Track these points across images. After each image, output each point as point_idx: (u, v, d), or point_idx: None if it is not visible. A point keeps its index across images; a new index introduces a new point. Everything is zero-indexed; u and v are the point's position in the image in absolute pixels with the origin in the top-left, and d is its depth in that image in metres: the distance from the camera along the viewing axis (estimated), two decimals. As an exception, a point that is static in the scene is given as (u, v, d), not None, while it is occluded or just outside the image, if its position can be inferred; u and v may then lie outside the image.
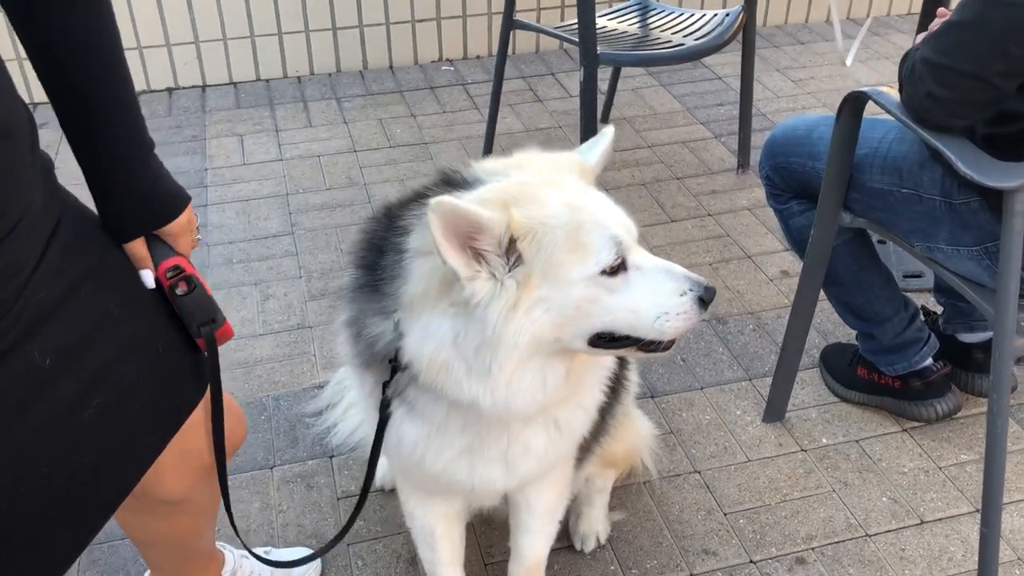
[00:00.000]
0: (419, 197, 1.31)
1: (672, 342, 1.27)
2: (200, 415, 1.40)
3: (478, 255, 1.16)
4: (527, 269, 1.18)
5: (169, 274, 1.25)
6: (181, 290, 1.25)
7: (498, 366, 1.20)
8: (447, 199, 1.11)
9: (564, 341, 1.23)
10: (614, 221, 1.23)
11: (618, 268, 1.21)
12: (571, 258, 1.18)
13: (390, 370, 1.30)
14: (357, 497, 2.13)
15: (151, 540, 1.64)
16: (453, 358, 1.21)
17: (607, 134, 1.41)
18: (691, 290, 1.23)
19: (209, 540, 1.75)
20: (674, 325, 1.23)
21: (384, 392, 1.32)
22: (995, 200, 1.72)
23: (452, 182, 1.30)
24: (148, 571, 1.80)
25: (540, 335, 1.20)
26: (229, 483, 2.18)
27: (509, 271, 1.18)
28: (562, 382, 1.28)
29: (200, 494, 1.49)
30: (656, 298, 1.22)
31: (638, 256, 1.24)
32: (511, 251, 1.17)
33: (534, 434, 1.41)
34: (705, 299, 1.24)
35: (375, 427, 1.50)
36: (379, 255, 1.32)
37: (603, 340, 1.25)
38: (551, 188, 1.23)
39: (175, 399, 1.34)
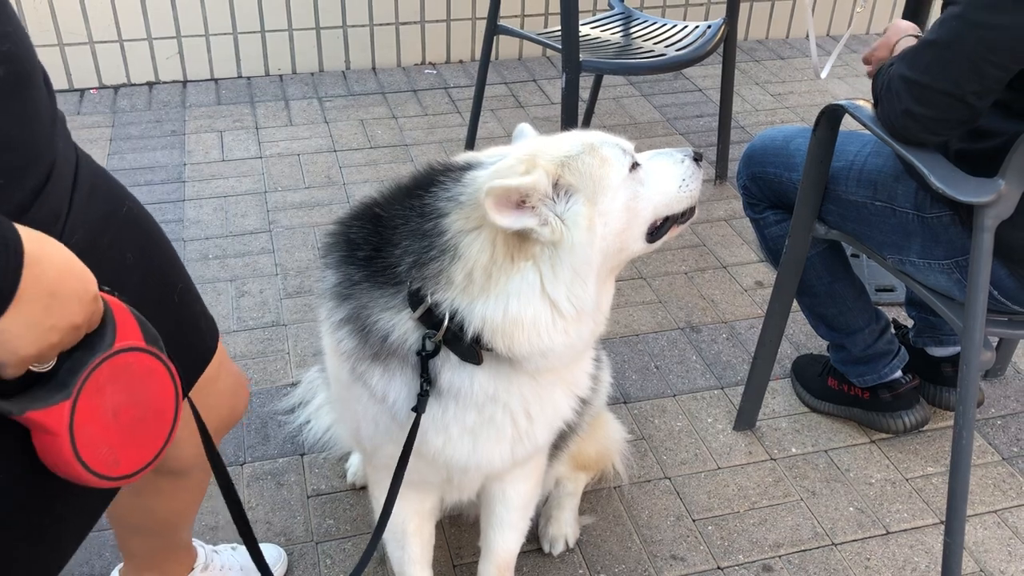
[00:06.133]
0: (424, 185, 1.35)
1: (694, 208, 1.49)
2: (214, 370, 1.39)
3: (533, 208, 1.26)
4: (581, 195, 1.31)
5: None
6: None
7: (587, 293, 1.31)
8: (495, 184, 1.23)
9: (627, 246, 1.38)
10: (610, 136, 1.42)
11: (635, 166, 1.38)
12: (604, 170, 1.34)
13: (420, 363, 1.33)
14: (326, 495, 2.15)
15: (141, 524, 1.62)
16: (540, 307, 1.29)
17: (527, 128, 1.54)
18: (685, 156, 1.47)
19: (189, 532, 1.75)
20: (693, 186, 1.46)
21: (421, 386, 1.34)
22: (966, 215, 1.75)
23: (454, 167, 1.37)
24: (120, 564, 1.78)
25: (607, 248, 1.33)
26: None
27: (567, 204, 1.29)
28: (608, 309, 1.42)
29: (206, 463, 1.49)
30: (671, 171, 1.44)
31: (638, 155, 1.43)
32: (557, 190, 1.29)
33: (559, 394, 1.49)
34: (697, 158, 1.47)
35: (368, 422, 1.50)
36: (376, 250, 1.34)
37: (652, 234, 1.43)
38: (549, 139, 1.40)
39: (192, 349, 1.33)
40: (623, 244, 1.36)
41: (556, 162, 1.31)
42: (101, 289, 0.96)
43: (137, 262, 1.23)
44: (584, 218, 1.29)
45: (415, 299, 1.30)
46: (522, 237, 1.27)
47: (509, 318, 1.28)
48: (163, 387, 1.02)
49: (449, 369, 1.35)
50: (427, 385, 1.34)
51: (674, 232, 1.48)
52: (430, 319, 1.30)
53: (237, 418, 1.54)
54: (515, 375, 1.37)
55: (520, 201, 1.25)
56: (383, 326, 1.34)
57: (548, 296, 1.29)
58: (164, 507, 1.58)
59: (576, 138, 1.38)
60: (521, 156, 1.33)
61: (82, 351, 0.93)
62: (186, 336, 1.33)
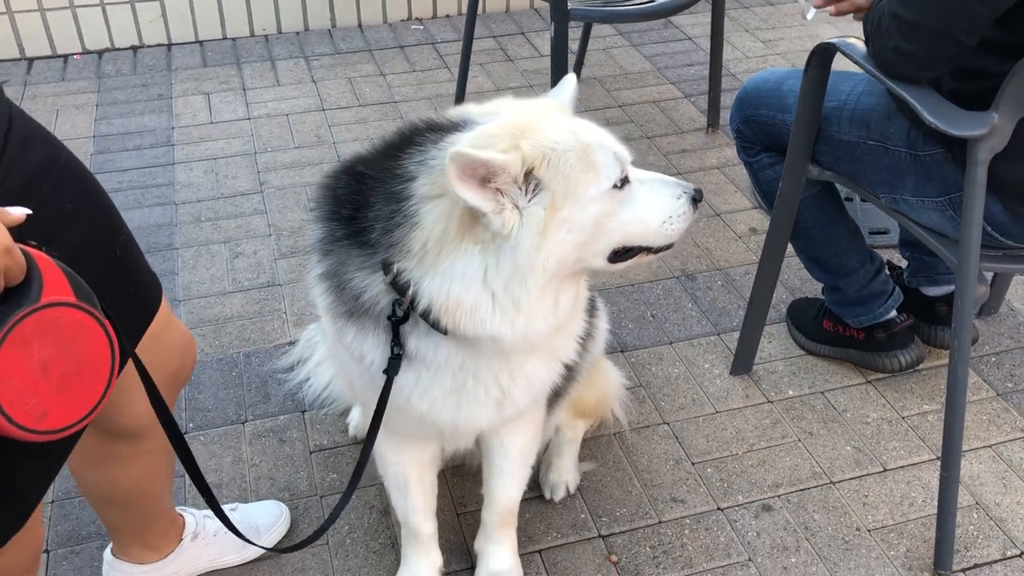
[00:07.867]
0: (404, 144, 1.32)
1: (672, 244, 1.39)
2: (161, 325, 1.40)
3: (498, 190, 1.21)
4: (549, 194, 1.24)
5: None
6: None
7: (526, 295, 1.26)
8: (463, 150, 1.16)
9: (585, 260, 1.31)
10: (612, 141, 1.33)
11: (623, 182, 1.30)
12: (586, 177, 1.26)
13: (391, 327, 1.32)
14: (329, 450, 2.16)
15: (110, 495, 1.62)
16: (481, 295, 1.25)
17: (570, 80, 1.47)
18: (685, 192, 1.37)
19: (168, 501, 1.74)
20: (677, 227, 1.36)
21: (392, 351, 1.34)
22: (959, 151, 1.75)
23: (440, 126, 1.32)
24: (110, 544, 1.78)
25: (564, 257, 1.27)
26: (201, 439, 2.20)
27: (531, 199, 1.23)
28: (571, 305, 1.37)
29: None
30: (660, 204, 1.35)
31: (635, 171, 1.34)
32: (529, 180, 1.23)
33: (535, 365, 1.46)
34: (696, 199, 1.37)
35: (355, 378, 1.51)
36: (357, 209, 1.32)
37: (618, 254, 1.35)
38: (548, 120, 1.30)
39: (138, 300, 1.34)
40: (581, 256, 1.30)
41: (539, 150, 1.23)
42: (27, 243, 0.95)
43: (78, 212, 1.23)
44: (540, 221, 1.23)
45: (387, 266, 1.29)
46: (476, 219, 1.22)
47: (452, 299, 1.25)
48: (97, 343, 1.00)
49: (416, 337, 1.35)
50: (399, 349, 1.34)
51: (642, 260, 1.39)
52: (399, 286, 1.29)
53: (186, 377, 1.55)
54: (478, 349, 1.35)
55: (486, 177, 1.19)
56: (357, 284, 1.33)
57: (489, 287, 1.25)
58: (126, 475, 1.57)
59: (576, 130, 1.30)
60: (510, 127, 1.27)
61: (6, 305, 0.93)
62: (131, 287, 1.34)
